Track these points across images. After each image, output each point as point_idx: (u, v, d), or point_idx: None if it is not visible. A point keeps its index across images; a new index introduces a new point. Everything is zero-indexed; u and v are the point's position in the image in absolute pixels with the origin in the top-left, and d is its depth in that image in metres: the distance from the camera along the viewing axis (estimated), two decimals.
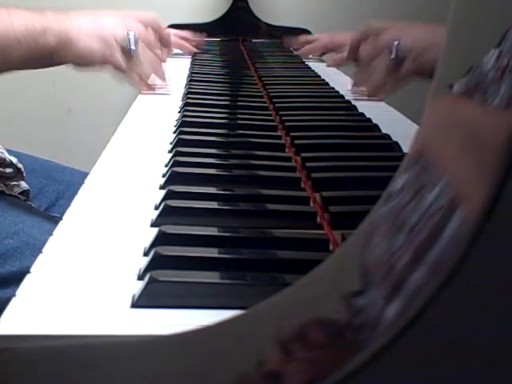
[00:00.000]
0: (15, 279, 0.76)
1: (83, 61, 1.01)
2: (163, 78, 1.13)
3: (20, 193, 1.08)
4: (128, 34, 1.03)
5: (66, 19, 0.99)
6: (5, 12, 0.94)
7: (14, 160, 1.07)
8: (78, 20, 1.01)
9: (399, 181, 0.33)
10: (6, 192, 1.04)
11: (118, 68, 1.04)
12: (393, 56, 0.99)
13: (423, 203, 0.29)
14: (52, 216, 1.06)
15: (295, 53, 1.57)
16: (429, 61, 0.95)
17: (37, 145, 1.86)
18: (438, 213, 0.27)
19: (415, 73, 0.98)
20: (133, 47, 1.03)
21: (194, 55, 1.50)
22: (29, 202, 1.07)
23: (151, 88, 1.11)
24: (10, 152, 1.10)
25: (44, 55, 0.98)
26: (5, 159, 1.06)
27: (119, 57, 1.03)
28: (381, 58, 1.00)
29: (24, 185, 1.09)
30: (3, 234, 0.93)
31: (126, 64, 1.04)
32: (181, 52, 1.52)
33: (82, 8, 1.06)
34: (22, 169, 1.08)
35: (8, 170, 1.06)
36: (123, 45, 1.03)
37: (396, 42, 0.99)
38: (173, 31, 1.46)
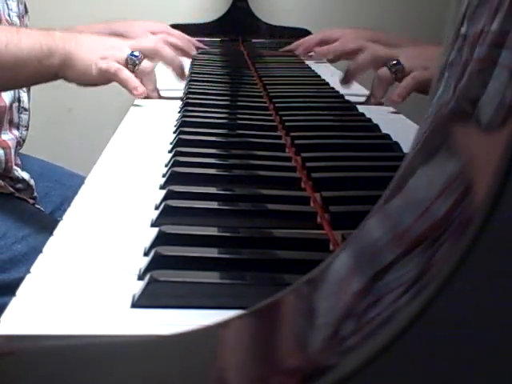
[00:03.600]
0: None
1: (84, 80, 1.00)
2: (182, 77, 1.10)
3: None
4: (131, 55, 1.01)
5: (72, 40, 0.98)
6: (15, 32, 0.95)
7: (27, 177, 1.09)
8: (83, 41, 0.99)
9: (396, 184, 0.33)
10: (16, 195, 1.04)
11: (123, 84, 1.01)
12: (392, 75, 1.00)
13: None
14: (57, 220, 1.06)
15: (296, 52, 1.56)
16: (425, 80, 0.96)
17: (37, 145, 1.86)
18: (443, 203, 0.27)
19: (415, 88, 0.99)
20: (137, 63, 1.01)
21: (194, 55, 1.50)
22: (37, 206, 1.08)
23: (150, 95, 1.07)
24: (20, 156, 1.11)
25: (49, 74, 0.98)
26: (18, 177, 1.07)
27: (124, 75, 0.99)
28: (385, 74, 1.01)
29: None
30: (11, 239, 0.93)
31: (130, 79, 1.00)
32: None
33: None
34: (34, 186, 1.09)
35: (18, 186, 1.07)
36: (129, 63, 1.01)
37: (394, 62, 1.00)
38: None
